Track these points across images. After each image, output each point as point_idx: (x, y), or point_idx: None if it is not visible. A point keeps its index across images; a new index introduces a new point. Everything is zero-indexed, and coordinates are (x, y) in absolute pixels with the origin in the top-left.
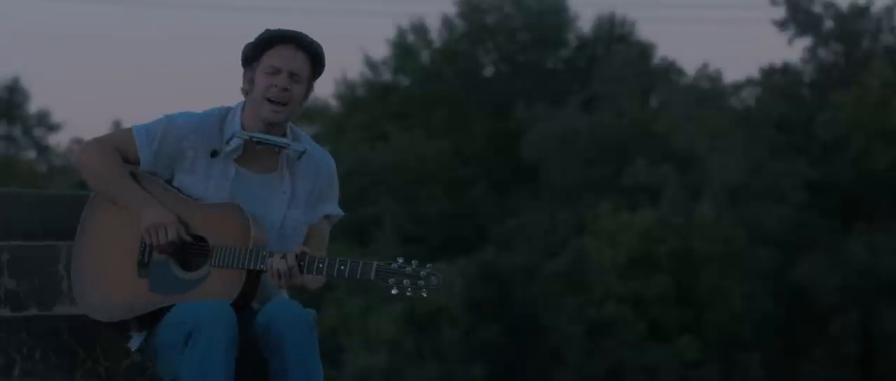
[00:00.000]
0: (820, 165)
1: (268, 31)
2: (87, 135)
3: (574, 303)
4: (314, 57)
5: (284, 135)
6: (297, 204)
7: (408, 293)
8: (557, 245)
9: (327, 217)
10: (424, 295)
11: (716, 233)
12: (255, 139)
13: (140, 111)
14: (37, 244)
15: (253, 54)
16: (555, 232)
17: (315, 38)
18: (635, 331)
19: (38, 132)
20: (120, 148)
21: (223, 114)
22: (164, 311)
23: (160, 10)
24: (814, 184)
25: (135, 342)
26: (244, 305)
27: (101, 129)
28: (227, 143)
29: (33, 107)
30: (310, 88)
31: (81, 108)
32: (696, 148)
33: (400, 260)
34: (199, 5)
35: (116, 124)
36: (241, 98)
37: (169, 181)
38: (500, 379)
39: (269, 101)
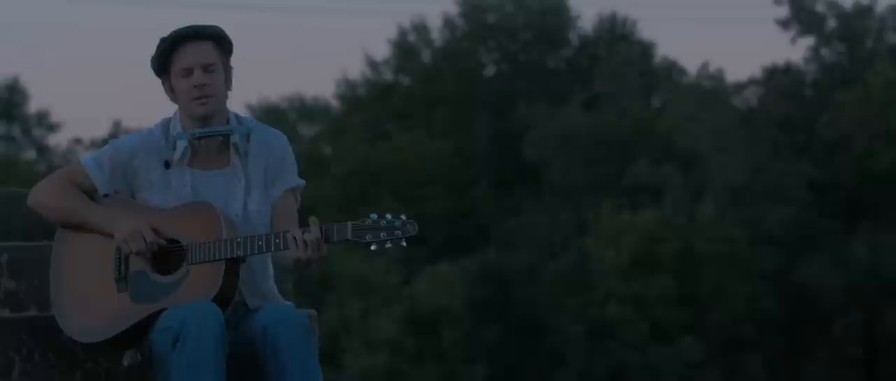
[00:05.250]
0: (823, 166)
1: (164, 39)
2: (87, 135)
3: (576, 304)
4: (217, 40)
5: (227, 122)
6: (256, 189)
7: (387, 246)
8: (559, 246)
9: (291, 191)
10: (404, 245)
11: (718, 233)
12: (197, 135)
13: (140, 111)
14: (37, 244)
15: (162, 64)
16: (556, 232)
17: (216, 25)
18: (637, 332)
19: (37, 132)
20: (73, 180)
21: (165, 124)
22: (152, 323)
23: (161, 9)
24: (816, 184)
25: (127, 358)
26: (228, 299)
27: (100, 129)
28: (174, 150)
29: (33, 107)
30: (228, 69)
31: (81, 108)
32: (699, 148)
33: (373, 215)
34: (199, 5)
35: (116, 124)
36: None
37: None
38: (502, 380)
39: (195, 99)
